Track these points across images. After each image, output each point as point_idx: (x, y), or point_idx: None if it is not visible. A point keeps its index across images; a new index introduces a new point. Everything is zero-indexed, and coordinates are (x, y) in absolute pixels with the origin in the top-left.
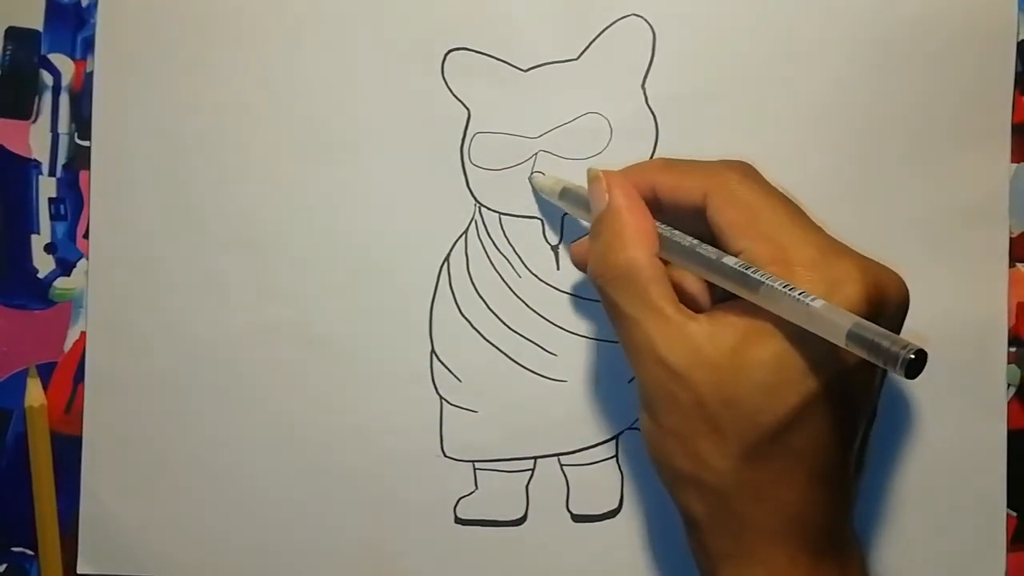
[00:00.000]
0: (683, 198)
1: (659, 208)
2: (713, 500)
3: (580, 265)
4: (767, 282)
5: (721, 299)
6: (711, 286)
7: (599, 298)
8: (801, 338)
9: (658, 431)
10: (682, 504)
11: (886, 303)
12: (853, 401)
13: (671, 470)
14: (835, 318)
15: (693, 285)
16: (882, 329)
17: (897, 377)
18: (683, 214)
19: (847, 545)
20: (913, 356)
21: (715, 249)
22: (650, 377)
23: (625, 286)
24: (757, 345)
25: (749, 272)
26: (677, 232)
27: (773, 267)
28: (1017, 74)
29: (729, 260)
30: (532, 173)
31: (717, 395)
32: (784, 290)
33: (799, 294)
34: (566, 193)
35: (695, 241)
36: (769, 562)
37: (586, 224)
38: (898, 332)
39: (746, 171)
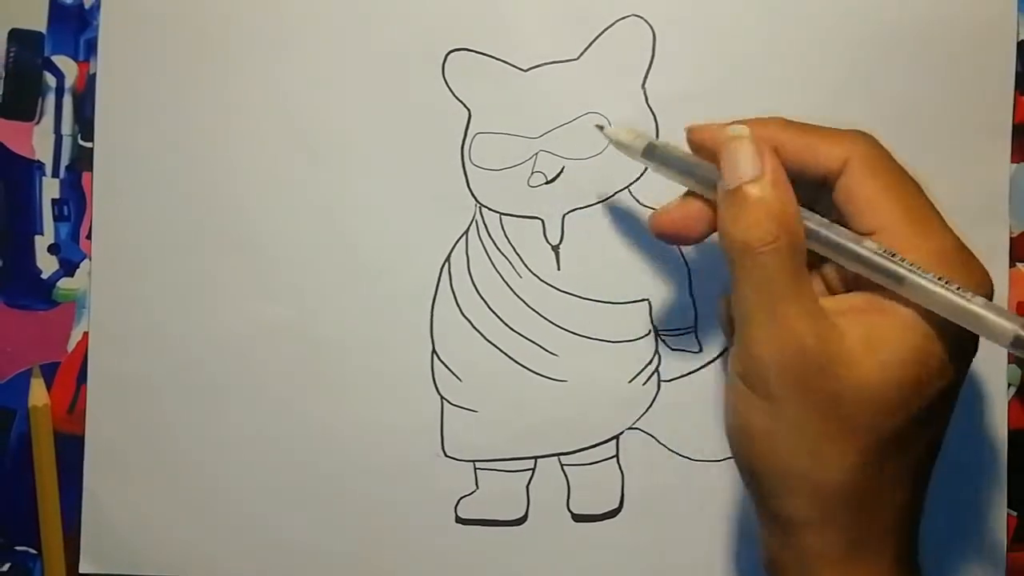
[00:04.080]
0: (818, 162)
1: None
2: (827, 500)
3: (667, 234)
4: (917, 277)
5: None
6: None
7: (736, 267)
8: (933, 334)
9: (774, 426)
10: (783, 505)
11: None
12: (953, 398)
13: (780, 468)
14: (1001, 320)
15: None
16: None
17: None
18: (806, 178)
19: (917, 553)
20: None
21: (851, 233)
22: (787, 365)
23: (786, 258)
24: (892, 341)
25: (895, 262)
26: (806, 211)
27: (909, 254)
28: (1017, 74)
29: (869, 246)
30: (603, 127)
31: (858, 393)
32: (939, 287)
33: (957, 289)
34: (654, 152)
35: (827, 222)
36: (876, 566)
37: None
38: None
39: (883, 147)
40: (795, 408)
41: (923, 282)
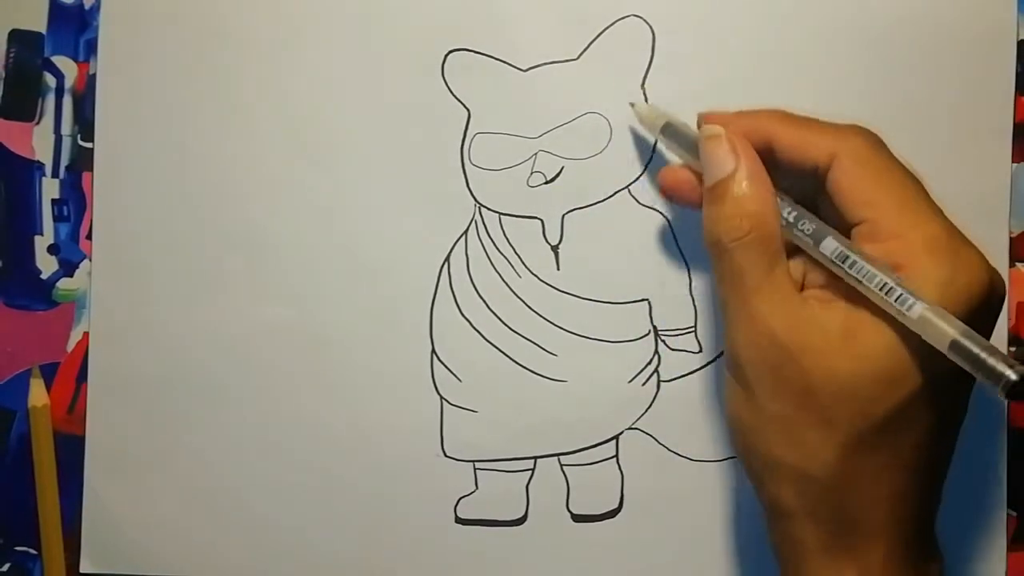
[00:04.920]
0: (808, 155)
1: (772, 162)
2: (813, 491)
3: (671, 193)
4: (864, 281)
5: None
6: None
7: (714, 263)
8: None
9: (755, 416)
10: (773, 493)
11: (993, 300)
12: (954, 392)
13: (766, 458)
14: (939, 324)
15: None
16: (989, 343)
17: None
18: (799, 171)
19: (933, 549)
20: (1016, 378)
21: (816, 225)
22: (759, 356)
23: (754, 252)
24: (869, 333)
25: (845, 267)
26: (780, 200)
27: (894, 242)
28: (1017, 74)
29: (828, 246)
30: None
31: (830, 384)
32: (881, 293)
33: (897, 298)
34: (670, 129)
35: (796, 216)
36: (864, 559)
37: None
38: (991, 330)
39: (876, 139)
40: (772, 399)
41: (869, 291)
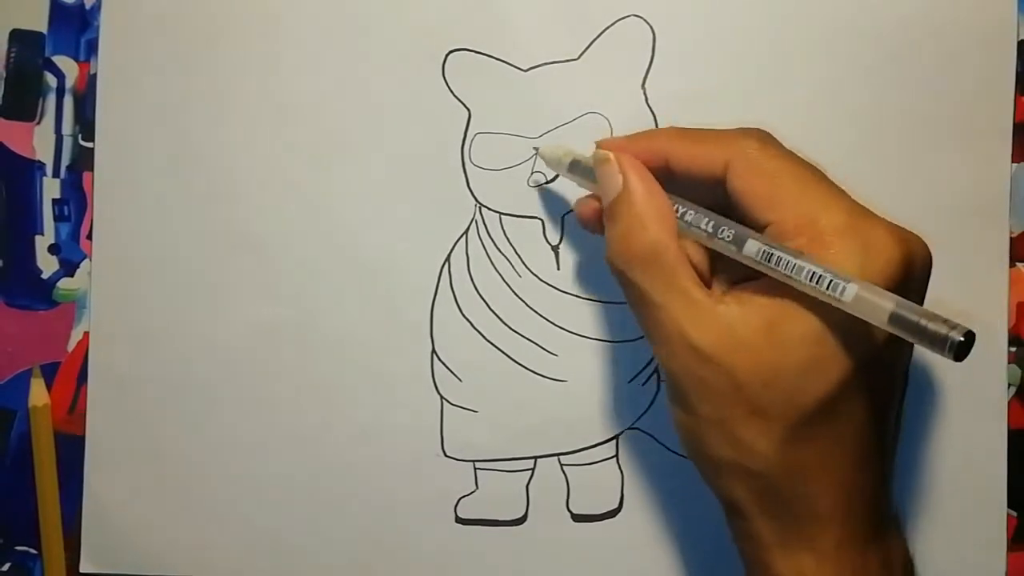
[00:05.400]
0: (701, 169)
1: (671, 178)
2: (758, 486)
3: (588, 223)
4: (794, 275)
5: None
6: (713, 255)
7: (620, 286)
8: (836, 311)
9: (693, 421)
10: (724, 493)
11: (915, 268)
12: (890, 371)
13: (710, 460)
14: (874, 301)
15: (695, 255)
16: (926, 310)
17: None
18: (699, 184)
19: (891, 526)
20: (962, 338)
21: (735, 230)
22: (680, 365)
23: (650, 270)
24: (792, 322)
25: (772, 265)
26: (694, 213)
27: (802, 238)
28: (1017, 74)
29: (751, 248)
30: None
31: (755, 377)
32: (811, 283)
33: (828, 285)
34: (576, 166)
35: (714, 225)
36: (817, 547)
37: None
38: (923, 297)
39: (764, 137)
40: (701, 402)
41: (800, 283)
